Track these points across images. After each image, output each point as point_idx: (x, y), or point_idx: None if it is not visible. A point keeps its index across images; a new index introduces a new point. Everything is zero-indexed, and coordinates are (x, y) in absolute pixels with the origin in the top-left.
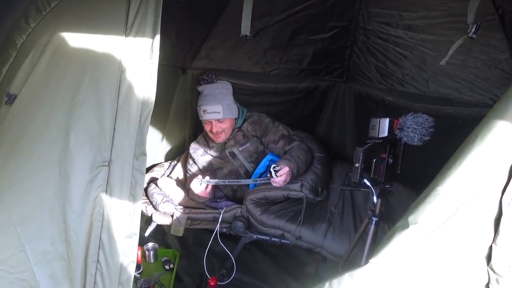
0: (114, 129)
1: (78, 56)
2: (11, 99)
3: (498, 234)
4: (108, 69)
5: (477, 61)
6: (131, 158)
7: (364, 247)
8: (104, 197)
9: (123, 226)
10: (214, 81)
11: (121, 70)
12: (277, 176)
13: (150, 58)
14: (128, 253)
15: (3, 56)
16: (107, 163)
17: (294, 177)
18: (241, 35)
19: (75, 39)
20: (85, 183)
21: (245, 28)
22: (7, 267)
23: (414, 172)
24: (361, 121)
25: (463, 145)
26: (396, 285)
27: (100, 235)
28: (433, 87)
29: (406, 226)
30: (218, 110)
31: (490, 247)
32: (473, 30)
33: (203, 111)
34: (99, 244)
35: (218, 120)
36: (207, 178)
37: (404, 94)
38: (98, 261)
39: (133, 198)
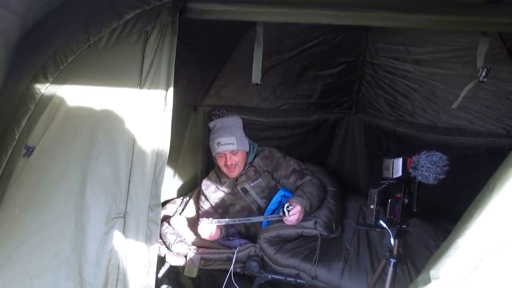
0: (129, 181)
1: (94, 110)
2: (29, 151)
3: None
4: (122, 122)
5: (487, 93)
6: (146, 209)
7: None
8: (120, 249)
9: (139, 279)
10: (225, 115)
11: (135, 123)
12: (289, 216)
13: (164, 110)
14: None
15: (22, 109)
16: (122, 215)
17: (307, 214)
18: (252, 83)
19: (91, 93)
20: (101, 235)
21: (256, 77)
22: None
23: (429, 204)
24: (372, 152)
25: (480, 194)
26: None
27: None
28: (445, 118)
29: (428, 281)
30: (232, 142)
31: None
32: (483, 74)
33: (217, 144)
34: None
35: (232, 152)
36: (214, 220)
37: (414, 125)
38: None
39: (149, 250)
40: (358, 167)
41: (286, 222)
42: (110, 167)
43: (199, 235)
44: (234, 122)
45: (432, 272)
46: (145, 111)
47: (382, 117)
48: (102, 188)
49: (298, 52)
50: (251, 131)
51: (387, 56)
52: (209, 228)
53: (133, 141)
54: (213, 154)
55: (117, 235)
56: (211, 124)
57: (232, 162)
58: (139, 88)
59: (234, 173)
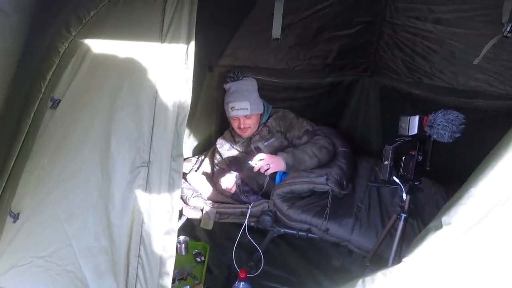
0: (152, 132)
1: (117, 63)
2: (56, 103)
3: None
4: (145, 75)
5: (509, 54)
6: (168, 159)
7: (392, 243)
8: (144, 196)
9: (162, 223)
10: (240, 78)
11: (157, 76)
12: (255, 164)
13: (185, 63)
14: (167, 248)
15: (47, 62)
16: (146, 164)
17: (290, 168)
18: (272, 38)
19: (113, 47)
20: (126, 183)
21: (276, 31)
22: (55, 259)
23: (442, 166)
24: (386, 115)
25: (498, 145)
26: (429, 285)
27: (141, 231)
28: (463, 81)
29: (440, 226)
30: (246, 107)
31: None
32: (508, 29)
33: (231, 108)
34: (140, 239)
35: (246, 116)
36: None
37: (432, 87)
38: (139, 255)
39: (171, 197)
40: (371, 130)
41: (255, 170)
42: (133, 119)
43: (215, 189)
44: (249, 85)
45: (444, 219)
46: (167, 65)
47: (399, 79)
48: (126, 139)
49: (314, 11)
50: (266, 92)
51: (408, 16)
52: (232, 180)
53: (156, 94)
54: (228, 116)
55: (141, 183)
56: (226, 86)
57: (246, 125)
58: (161, 42)
59: (247, 134)
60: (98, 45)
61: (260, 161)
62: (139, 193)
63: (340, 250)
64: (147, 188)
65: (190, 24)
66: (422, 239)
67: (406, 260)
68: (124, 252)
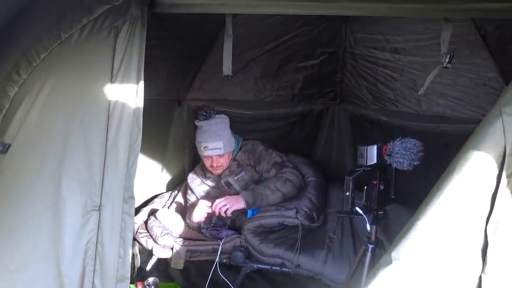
0: (103, 174)
1: (68, 105)
2: (5, 148)
3: (486, 264)
4: (96, 116)
5: (465, 79)
6: (120, 201)
7: (361, 276)
8: (96, 241)
9: (115, 269)
10: (212, 116)
11: (108, 117)
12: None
13: (135, 104)
14: None
15: None
16: (97, 208)
17: (251, 205)
18: (223, 75)
19: (64, 89)
20: (78, 227)
21: (227, 68)
22: None
23: (415, 192)
24: (360, 143)
25: (442, 177)
26: None
27: (93, 280)
28: (426, 106)
29: (389, 262)
30: (219, 146)
31: (480, 278)
32: (447, 60)
33: (204, 148)
34: None
35: (219, 155)
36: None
37: (398, 114)
38: None
39: (123, 241)
40: (345, 157)
41: (216, 213)
42: (84, 161)
43: (186, 226)
44: (222, 123)
45: (393, 254)
46: (117, 106)
47: (366, 107)
48: (77, 182)
49: (278, 44)
50: (237, 124)
51: (366, 46)
52: (203, 211)
53: (106, 135)
54: (200, 154)
55: (93, 227)
56: (198, 124)
57: (218, 163)
58: (111, 82)
59: (219, 171)
60: (48, 88)
61: (219, 203)
62: (91, 239)
63: (317, 283)
64: (99, 233)
65: (139, 62)
66: (373, 275)
67: None
68: None
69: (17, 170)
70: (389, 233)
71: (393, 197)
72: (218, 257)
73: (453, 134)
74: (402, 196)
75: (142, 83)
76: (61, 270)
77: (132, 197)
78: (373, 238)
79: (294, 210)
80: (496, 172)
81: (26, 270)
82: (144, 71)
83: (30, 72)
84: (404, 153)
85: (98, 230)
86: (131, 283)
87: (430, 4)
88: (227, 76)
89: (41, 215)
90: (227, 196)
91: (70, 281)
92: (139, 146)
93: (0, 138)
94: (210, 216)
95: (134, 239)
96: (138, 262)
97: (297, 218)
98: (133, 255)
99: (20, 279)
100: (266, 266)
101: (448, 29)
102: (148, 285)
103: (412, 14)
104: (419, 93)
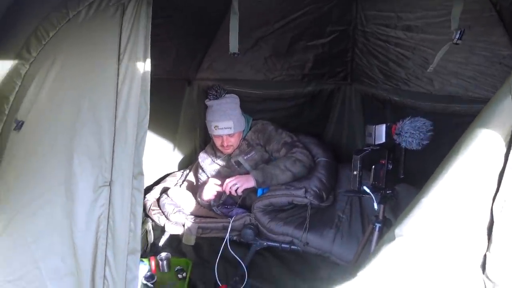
0: (113, 150)
1: (77, 82)
2: (19, 125)
3: (491, 242)
4: (105, 93)
5: (480, 58)
6: (130, 178)
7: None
8: (107, 216)
9: (126, 242)
10: (222, 96)
11: (116, 94)
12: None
13: (143, 81)
14: (131, 268)
15: (10, 85)
16: (108, 183)
17: (261, 184)
18: (229, 53)
19: (73, 66)
20: (89, 202)
21: (233, 46)
22: (23, 283)
23: (426, 172)
24: (369, 122)
25: (448, 155)
26: None
27: (106, 252)
28: (438, 86)
29: (393, 238)
30: (229, 126)
31: (485, 256)
32: (457, 36)
33: (214, 127)
34: (105, 261)
35: (229, 135)
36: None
37: (409, 94)
38: (105, 276)
39: (134, 216)
40: (356, 137)
41: (227, 192)
42: (94, 138)
43: (197, 204)
44: (232, 103)
45: (397, 230)
46: (125, 83)
47: (377, 87)
48: (88, 158)
49: (287, 22)
50: (246, 104)
51: (378, 24)
52: (213, 189)
53: (115, 112)
54: (210, 133)
55: (104, 202)
56: (208, 103)
57: (229, 143)
58: (119, 60)
59: (229, 151)
60: (58, 65)
61: (229, 182)
62: (102, 213)
63: (327, 261)
64: (110, 207)
65: (146, 40)
66: (376, 252)
67: (360, 274)
68: (90, 273)
69: (31, 147)
70: (398, 213)
71: (402, 176)
72: (228, 234)
73: (464, 115)
74: (413, 176)
75: (149, 60)
76: (75, 243)
77: (141, 173)
78: (380, 217)
79: (304, 190)
80: (504, 150)
81: (42, 242)
82: (151, 49)
83: (40, 50)
84: (413, 133)
85: (109, 205)
86: (145, 257)
87: None
88: (234, 53)
89: (54, 190)
90: (237, 175)
91: (84, 252)
92: (147, 124)
93: (14, 115)
94: (219, 194)
95: (147, 215)
96: (151, 238)
97: (306, 197)
98: (147, 231)
99: (37, 250)
100: (275, 244)
101: (459, 5)
102: (161, 259)
103: None
104: (428, 70)
